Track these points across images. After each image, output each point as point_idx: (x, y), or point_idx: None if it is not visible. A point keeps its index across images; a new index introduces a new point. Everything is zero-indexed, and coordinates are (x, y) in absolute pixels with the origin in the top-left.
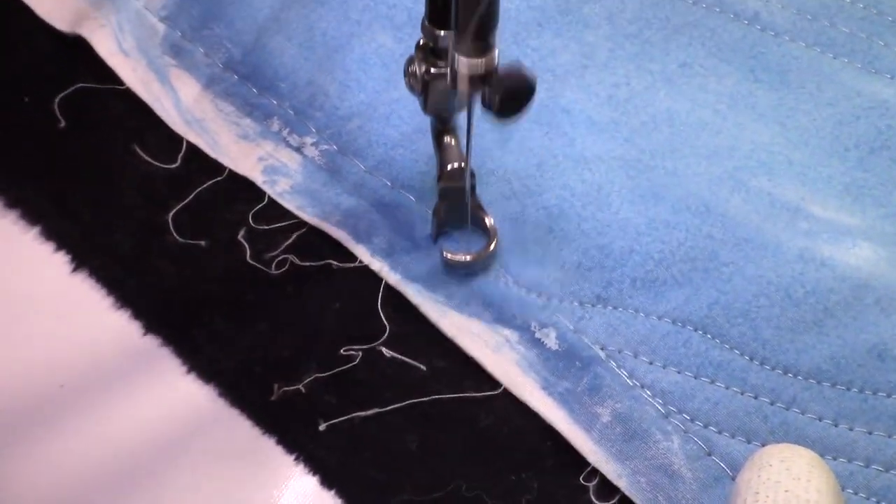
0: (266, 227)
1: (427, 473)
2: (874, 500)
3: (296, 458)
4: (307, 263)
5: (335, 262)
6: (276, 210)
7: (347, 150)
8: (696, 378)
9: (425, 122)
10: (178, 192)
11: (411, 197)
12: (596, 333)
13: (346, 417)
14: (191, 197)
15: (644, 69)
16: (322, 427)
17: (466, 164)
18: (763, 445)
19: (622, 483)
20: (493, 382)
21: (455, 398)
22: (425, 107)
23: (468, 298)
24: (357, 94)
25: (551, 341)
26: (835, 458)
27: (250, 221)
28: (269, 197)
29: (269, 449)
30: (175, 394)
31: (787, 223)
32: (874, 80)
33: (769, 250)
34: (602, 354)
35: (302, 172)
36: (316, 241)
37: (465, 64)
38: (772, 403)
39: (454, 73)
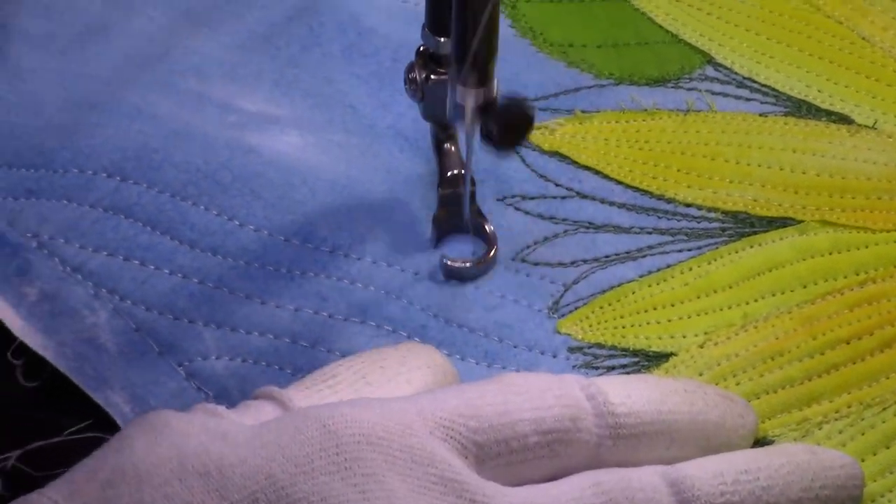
0: None
1: None
2: (289, 371)
3: None
4: None
5: None
6: None
7: None
8: (125, 260)
9: None
10: None
11: None
12: (27, 224)
13: None
14: None
15: None
16: None
17: (467, 171)
18: (190, 322)
19: (48, 354)
20: None
21: None
22: (425, 113)
23: None
24: None
25: None
26: (262, 335)
27: None
28: None
29: None
30: None
31: (216, 118)
32: None
33: (198, 141)
34: (34, 242)
35: None
36: None
37: (464, 93)
38: (200, 283)
39: (454, 102)
